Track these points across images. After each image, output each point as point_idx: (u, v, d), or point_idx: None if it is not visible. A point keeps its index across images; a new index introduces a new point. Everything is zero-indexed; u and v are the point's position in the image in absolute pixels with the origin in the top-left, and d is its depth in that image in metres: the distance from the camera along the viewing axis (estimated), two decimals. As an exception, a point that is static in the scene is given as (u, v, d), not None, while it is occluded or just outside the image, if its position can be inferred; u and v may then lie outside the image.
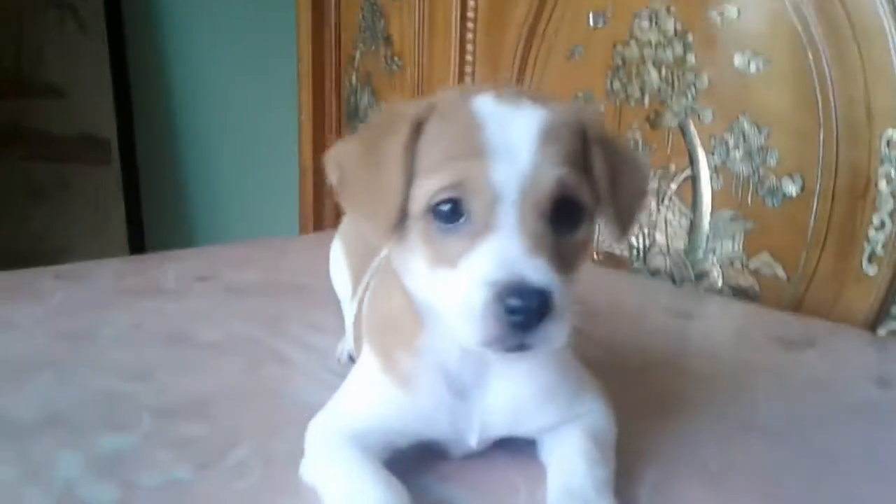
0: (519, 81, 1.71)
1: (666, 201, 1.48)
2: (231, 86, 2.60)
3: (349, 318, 0.97)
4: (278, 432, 0.80)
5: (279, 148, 2.57)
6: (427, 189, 0.61)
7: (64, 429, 0.82)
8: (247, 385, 0.95)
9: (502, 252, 0.58)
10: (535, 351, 0.59)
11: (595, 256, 1.62)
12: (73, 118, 2.66)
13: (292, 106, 2.46)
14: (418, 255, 0.63)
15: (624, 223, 0.67)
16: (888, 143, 1.18)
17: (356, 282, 0.97)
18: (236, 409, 0.88)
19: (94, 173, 2.72)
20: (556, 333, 0.57)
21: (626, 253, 1.57)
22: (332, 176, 0.67)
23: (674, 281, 1.49)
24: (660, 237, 1.50)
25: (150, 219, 2.64)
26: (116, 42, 2.61)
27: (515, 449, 0.77)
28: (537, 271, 0.57)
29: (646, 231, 1.52)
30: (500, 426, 0.72)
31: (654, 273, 1.52)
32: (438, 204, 0.61)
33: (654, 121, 1.48)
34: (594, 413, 0.75)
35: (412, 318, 0.69)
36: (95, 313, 1.18)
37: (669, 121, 1.46)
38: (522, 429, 0.73)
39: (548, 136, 0.61)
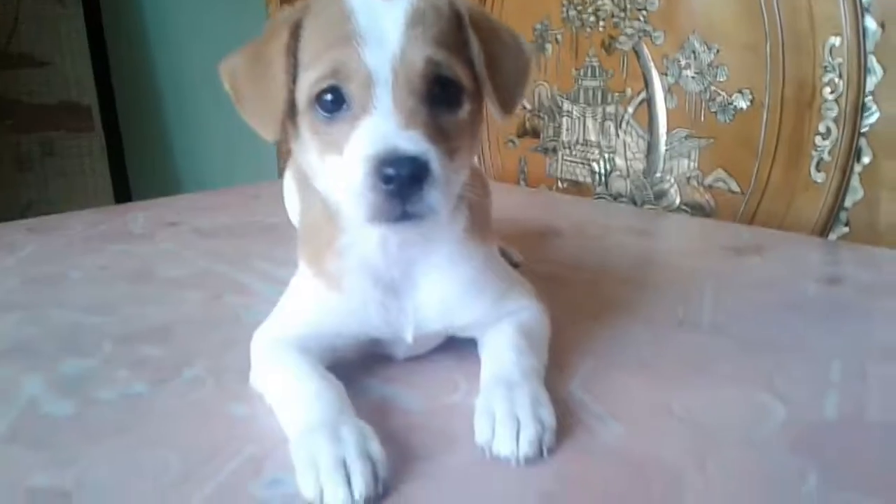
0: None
1: (624, 125, 1.50)
2: (204, 43, 2.61)
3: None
4: (232, 350, 0.84)
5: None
6: (308, 81, 0.65)
7: (28, 356, 0.86)
8: (206, 313, 0.99)
9: (377, 129, 0.61)
10: (420, 220, 0.62)
11: (559, 185, 1.65)
12: (55, 87, 2.67)
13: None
14: (311, 149, 0.67)
15: (505, 102, 0.69)
16: (831, 51, 1.20)
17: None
18: (195, 333, 0.92)
19: (78, 140, 2.75)
20: (437, 200, 0.61)
21: (588, 179, 1.59)
22: (225, 86, 0.71)
23: (635, 203, 1.52)
24: (619, 161, 1.53)
25: (135, 181, 2.67)
26: (93, 11, 2.62)
27: (458, 351, 0.81)
28: (409, 141, 0.60)
29: (606, 156, 1.55)
30: (433, 321, 0.75)
31: (616, 196, 1.55)
32: (320, 94, 0.64)
33: (608, 46, 1.50)
34: (525, 311, 0.79)
35: (331, 222, 0.72)
36: (65, 259, 1.22)
37: (624, 44, 1.47)
38: (455, 323, 0.77)
39: (416, 19, 0.64)
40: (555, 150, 1.64)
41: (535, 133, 1.68)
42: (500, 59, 0.69)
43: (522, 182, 1.73)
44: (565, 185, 1.64)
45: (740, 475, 0.60)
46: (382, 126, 0.61)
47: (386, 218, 0.62)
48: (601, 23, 1.50)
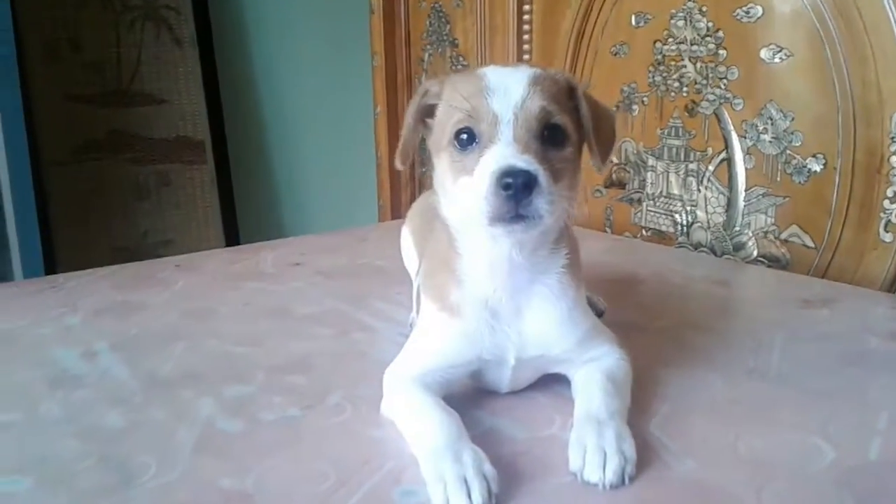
0: (570, 77, 1.88)
1: (705, 181, 1.63)
2: (312, 87, 2.86)
3: (415, 290, 1.17)
4: (363, 382, 1.01)
5: (357, 143, 2.81)
6: (448, 124, 0.86)
7: (198, 382, 1.05)
8: (338, 347, 1.16)
9: (500, 153, 0.81)
10: (530, 221, 0.80)
11: (643, 233, 1.78)
12: (171, 123, 2.92)
13: (368, 105, 2.68)
14: (448, 176, 0.87)
15: (603, 155, 0.91)
16: (898, 123, 1.31)
17: (420, 255, 1.19)
18: (330, 365, 1.10)
19: (191, 172, 3.00)
20: (543, 207, 0.79)
21: (670, 229, 1.72)
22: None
23: (714, 253, 1.64)
24: (701, 214, 1.65)
25: (242, 210, 2.90)
26: (207, 51, 2.87)
27: (552, 389, 0.96)
28: (523, 161, 0.80)
29: (688, 209, 1.68)
30: (532, 346, 0.91)
31: (697, 246, 1.67)
32: (457, 134, 0.85)
33: (691, 109, 1.64)
34: (611, 356, 0.95)
35: (451, 250, 0.92)
36: (212, 295, 1.42)
37: (706, 109, 1.61)
38: (550, 352, 0.93)
39: (535, 82, 0.85)
40: (639, 201, 1.78)
41: (621, 184, 1.82)
42: (600, 122, 0.90)
43: (608, 229, 1.87)
44: (649, 233, 1.77)
45: (791, 501, 0.74)
46: (504, 151, 0.81)
47: (503, 218, 0.80)
48: (685, 88, 1.64)
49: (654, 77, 1.70)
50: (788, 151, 1.47)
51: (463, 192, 0.84)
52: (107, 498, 0.77)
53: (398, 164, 0.96)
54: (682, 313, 1.27)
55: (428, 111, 0.92)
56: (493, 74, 0.86)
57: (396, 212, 2.71)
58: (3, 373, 1.10)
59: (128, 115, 2.80)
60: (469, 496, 0.72)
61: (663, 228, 1.74)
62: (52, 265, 2.44)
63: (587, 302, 1.21)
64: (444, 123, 0.87)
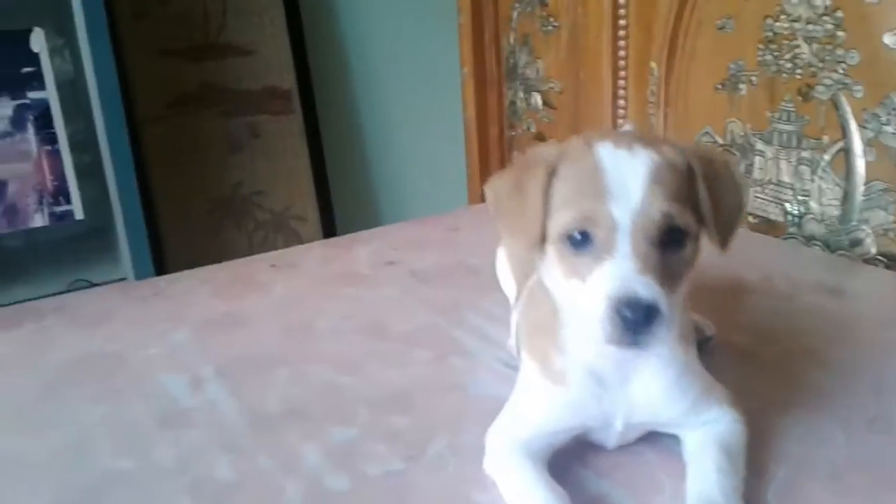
0: (671, 51, 1.77)
1: (819, 171, 1.53)
2: (396, 42, 2.81)
3: (514, 318, 1.15)
4: (465, 424, 1.00)
5: (444, 101, 2.76)
6: (562, 222, 0.79)
7: (303, 421, 1.06)
8: (436, 377, 1.16)
9: (618, 272, 0.75)
10: (648, 346, 0.76)
11: (749, 219, 1.69)
12: (258, 74, 2.93)
13: (454, 63, 2.61)
14: (556, 269, 0.82)
15: (724, 238, 0.82)
16: None
17: (518, 285, 1.15)
18: (430, 401, 1.09)
19: (279, 123, 3.02)
20: (662, 333, 0.74)
21: (779, 218, 1.63)
22: (489, 201, 0.88)
23: (829, 247, 1.55)
24: (813, 205, 1.56)
25: (330, 160, 2.92)
26: (292, 1, 2.85)
27: (662, 445, 0.93)
28: (645, 287, 0.74)
29: (799, 198, 1.58)
30: (640, 413, 0.88)
31: (809, 238, 1.58)
32: (570, 233, 0.78)
33: (805, 93, 1.52)
34: (724, 420, 0.90)
35: (557, 321, 0.87)
36: (309, 304, 1.43)
37: (821, 94, 1.49)
38: (659, 418, 0.90)
39: (655, 177, 0.77)
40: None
41: (727, 167, 1.72)
42: (722, 203, 0.82)
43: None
44: (756, 220, 1.68)
45: None
46: (623, 270, 0.75)
47: (622, 345, 0.76)
48: (798, 70, 1.52)
49: (764, 56, 1.58)
50: (914, 146, 1.36)
51: (574, 297, 0.80)
52: (224, 573, 0.80)
53: (524, 252, 0.91)
54: (794, 335, 1.21)
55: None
56: (611, 165, 0.78)
57: (485, 173, 2.67)
58: (117, 407, 1.13)
59: (216, 68, 2.82)
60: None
61: (772, 217, 1.65)
62: (153, 217, 2.52)
63: (693, 326, 1.16)
64: (557, 215, 0.80)
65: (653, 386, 0.87)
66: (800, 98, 1.53)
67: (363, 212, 2.93)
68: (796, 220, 1.60)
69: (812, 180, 1.55)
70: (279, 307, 1.44)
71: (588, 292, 0.77)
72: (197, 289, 1.54)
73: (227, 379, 1.18)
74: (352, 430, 1.04)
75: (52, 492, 0.95)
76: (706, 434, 0.89)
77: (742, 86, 1.65)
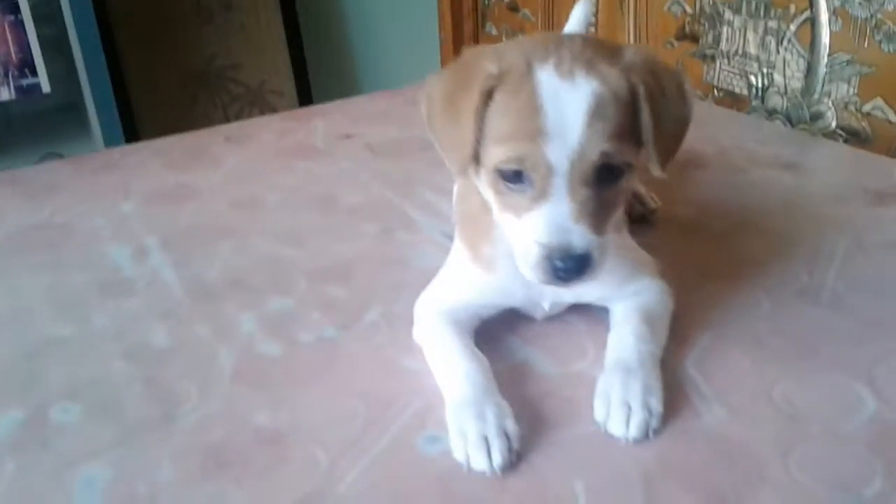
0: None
1: (784, 42, 1.48)
2: None
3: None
4: (402, 295, 1.00)
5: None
6: (495, 157, 0.75)
7: (242, 292, 1.07)
8: (380, 250, 1.16)
9: (553, 217, 0.73)
10: (578, 284, 0.76)
11: (714, 93, 1.66)
12: (232, -57, 2.82)
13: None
14: (491, 192, 0.79)
15: (663, 160, 0.78)
16: None
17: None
18: (371, 273, 1.10)
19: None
20: (594, 276, 0.75)
21: (744, 91, 1.60)
22: (422, 109, 0.83)
23: (790, 121, 1.52)
24: (778, 77, 1.52)
25: (306, 32, 2.84)
26: None
27: (590, 317, 0.94)
28: (580, 237, 0.72)
29: (764, 70, 1.54)
30: (568, 295, 0.89)
31: (772, 112, 1.55)
32: (504, 170, 0.75)
33: (777, -41, 1.46)
34: (649, 291, 0.91)
35: (486, 214, 0.84)
36: (261, 177, 1.42)
37: (791, -41, 1.43)
38: (585, 298, 0.91)
39: (595, 113, 0.72)
40: (713, 58, 1.65)
41: (694, 38, 1.68)
42: (664, 125, 0.77)
43: (678, 86, 1.74)
44: (721, 94, 1.65)
45: (816, 470, 0.72)
46: (557, 216, 0.73)
47: (548, 284, 0.76)
48: (770, -67, 1.45)
49: (737, -83, 1.51)
50: (879, 16, 1.31)
51: (507, 227, 0.78)
52: (150, 433, 0.82)
53: (455, 174, 0.84)
54: (743, 210, 1.20)
55: None
56: (550, 99, 0.72)
57: (458, 41, 2.60)
58: (61, 277, 1.14)
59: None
60: (489, 454, 0.73)
61: (737, 90, 1.61)
62: (123, 93, 2.48)
63: (638, 195, 1.16)
64: (492, 147, 0.75)
65: None
66: (771, -36, 1.47)
67: (340, 85, 2.87)
68: (760, 93, 1.57)
69: (777, 52, 1.50)
70: (230, 180, 1.42)
71: (521, 231, 0.76)
72: (149, 161, 1.52)
73: (172, 250, 1.18)
74: (289, 300, 1.05)
75: (-11, 356, 0.96)
76: (631, 304, 0.89)
77: (714, -50, 1.58)
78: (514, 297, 0.89)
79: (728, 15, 1.58)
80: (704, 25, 1.64)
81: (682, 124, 0.79)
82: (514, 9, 2.29)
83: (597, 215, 0.74)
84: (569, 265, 0.72)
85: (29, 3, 2.19)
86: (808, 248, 1.08)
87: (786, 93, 1.51)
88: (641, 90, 0.74)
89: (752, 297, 0.98)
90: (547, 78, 0.74)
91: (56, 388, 0.90)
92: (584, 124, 0.72)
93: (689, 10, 1.66)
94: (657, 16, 1.75)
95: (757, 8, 1.52)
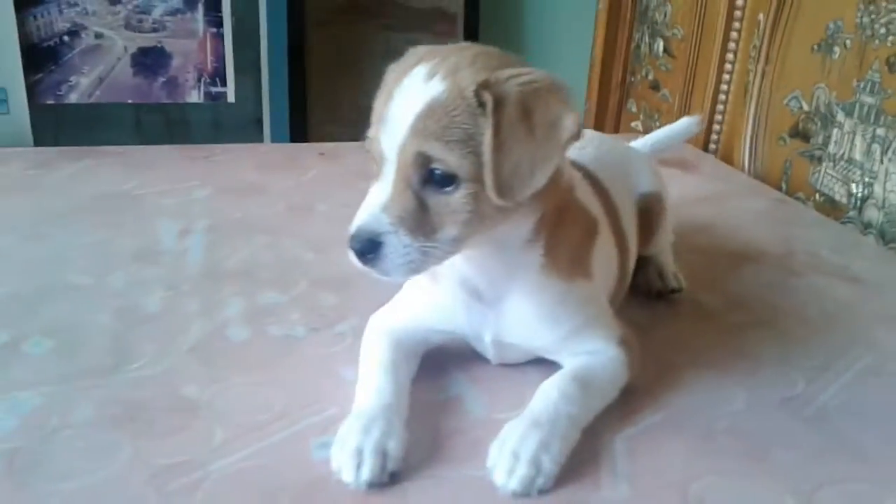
0: (780, 2, 1.64)
1: (889, 153, 1.37)
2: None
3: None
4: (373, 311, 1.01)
5: (574, 37, 2.69)
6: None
7: (246, 282, 1.12)
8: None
9: (369, 199, 0.75)
10: (385, 274, 0.76)
11: (816, 198, 1.55)
12: (430, -4, 2.99)
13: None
14: None
15: (500, 187, 0.72)
16: None
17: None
18: (368, 288, 1.07)
19: (438, 43, 3.07)
20: (392, 267, 0.74)
21: (844, 199, 1.48)
22: None
23: (883, 238, 1.39)
24: (878, 189, 1.40)
25: None
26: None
27: (548, 371, 0.89)
28: (375, 221, 0.73)
29: (866, 180, 1.42)
30: (510, 334, 0.87)
31: (867, 226, 1.43)
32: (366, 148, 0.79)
33: (892, 64, 1.35)
34: (602, 355, 0.86)
35: None
36: (326, 191, 1.49)
37: (908, 66, 1.33)
38: (530, 344, 0.88)
39: (427, 113, 0.72)
40: (820, 160, 1.54)
41: (806, 137, 1.58)
42: (510, 149, 0.72)
43: (784, 184, 1.65)
44: (822, 199, 1.54)
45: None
46: (371, 199, 0.75)
47: (354, 263, 0.76)
48: (890, 37, 1.36)
49: (861, 17, 1.42)
50: None
51: None
52: (91, 379, 0.88)
53: None
54: (772, 310, 1.11)
55: None
56: (400, 93, 0.74)
57: (601, 115, 2.59)
58: (109, 237, 1.25)
59: (392, -17, 2.92)
60: (358, 469, 0.72)
61: (837, 198, 1.50)
62: (302, 116, 2.67)
63: (661, 270, 1.11)
64: None
65: (525, 310, 0.85)
66: (886, 68, 1.37)
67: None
68: (858, 203, 1.45)
69: (881, 161, 1.39)
70: (300, 187, 1.51)
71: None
72: (244, 159, 1.64)
73: (212, 235, 1.27)
74: (282, 297, 1.09)
75: None
76: (577, 362, 0.85)
77: (836, 48, 1.49)
78: (456, 320, 0.88)
79: (840, 116, 1.48)
80: (817, 125, 1.54)
81: (535, 162, 0.74)
82: (655, 87, 2.26)
83: (417, 219, 0.73)
84: (354, 246, 0.74)
85: (232, 21, 2.41)
86: (822, 360, 0.98)
87: (883, 206, 1.39)
88: (489, 106, 0.71)
89: (729, 391, 0.90)
90: (414, 74, 0.75)
91: (42, 324, 0.99)
92: (412, 121, 0.72)
93: (805, 106, 1.57)
94: (777, 108, 1.67)
95: (868, 113, 1.41)
